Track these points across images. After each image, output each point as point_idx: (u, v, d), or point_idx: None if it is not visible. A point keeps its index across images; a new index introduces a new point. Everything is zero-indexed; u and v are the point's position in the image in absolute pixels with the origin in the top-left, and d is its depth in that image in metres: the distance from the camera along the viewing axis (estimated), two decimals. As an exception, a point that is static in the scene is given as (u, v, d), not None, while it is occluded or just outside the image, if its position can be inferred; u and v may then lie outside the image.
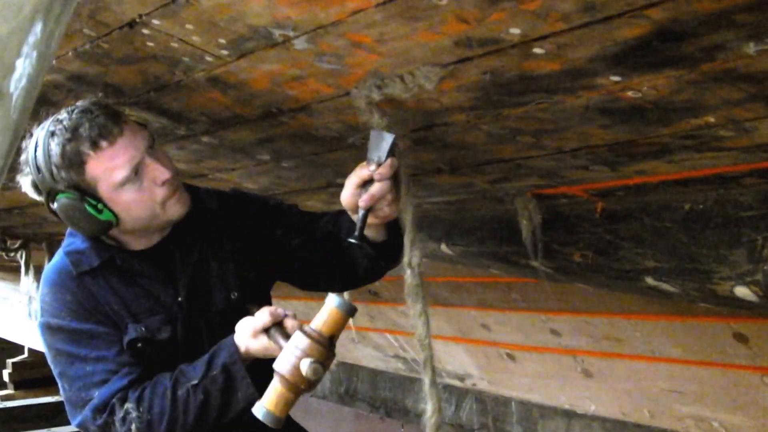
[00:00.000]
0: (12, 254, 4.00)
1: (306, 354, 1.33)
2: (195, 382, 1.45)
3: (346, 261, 1.53)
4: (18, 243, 3.96)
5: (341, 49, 1.19)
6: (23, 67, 0.76)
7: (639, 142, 1.32)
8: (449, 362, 3.10)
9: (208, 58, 1.34)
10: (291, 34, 1.18)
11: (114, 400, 1.47)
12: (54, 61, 1.48)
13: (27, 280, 4.06)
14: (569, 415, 2.75)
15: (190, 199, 1.51)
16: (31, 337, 5.92)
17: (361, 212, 1.35)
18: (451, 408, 3.19)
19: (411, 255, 1.38)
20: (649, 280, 1.59)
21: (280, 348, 1.37)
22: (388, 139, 1.32)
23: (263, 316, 1.41)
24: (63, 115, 1.44)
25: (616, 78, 1.11)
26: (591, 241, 1.65)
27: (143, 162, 1.43)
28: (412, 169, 1.72)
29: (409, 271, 1.39)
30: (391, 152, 1.33)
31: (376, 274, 1.58)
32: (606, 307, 2.24)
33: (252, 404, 1.38)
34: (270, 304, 1.60)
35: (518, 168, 1.58)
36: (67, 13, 0.77)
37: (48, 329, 1.52)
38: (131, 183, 1.43)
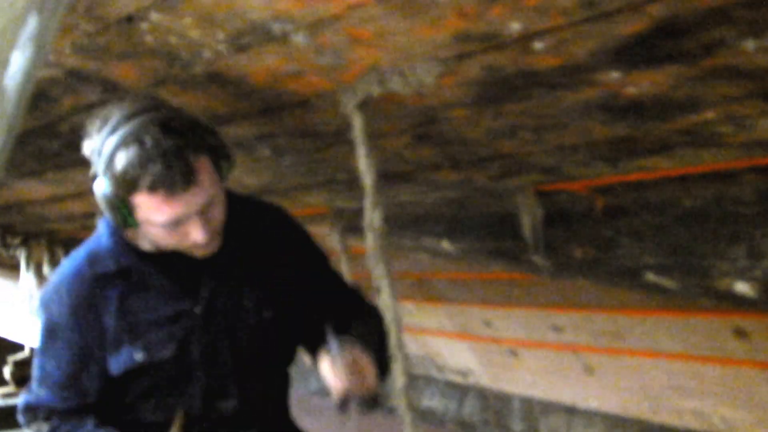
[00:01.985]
0: (12, 252, 4.00)
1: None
2: None
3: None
4: (18, 240, 3.96)
5: (340, 43, 1.19)
6: (18, 62, 0.75)
7: (639, 138, 1.32)
8: (451, 358, 3.10)
9: (207, 53, 1.34)
10: (290, 28, 1.18)
11: (40, 410, 1.49)
12: (51, 57, 1.48)
13: (27, 278, 4.06)
14: (571, 410, 2.75)
15: (221, 240, 1.43)
16: (31, 336, 5.92)
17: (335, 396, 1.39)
18: (454, 404, 3.19)
19: (372, 217, 1.37)
20: (650, 276, 1.59)
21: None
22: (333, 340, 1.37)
23: None
24: (149, 134, 1.29)
25: (616, 74, 1.11)
26: (591, 237, 1.65)
27: (187, 220, 1.35)
28: (412, 165, 1.72)
29: (371, 234, 1.37)
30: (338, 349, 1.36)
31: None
32: (607, 303, 2.24)
33: None
34: (303, 321, 1.55)
35: (519, 164, 1.57)
36: (62, 6, 0.76)
37: (42, 310, 1.52)
38: (166, 228, 1.36)
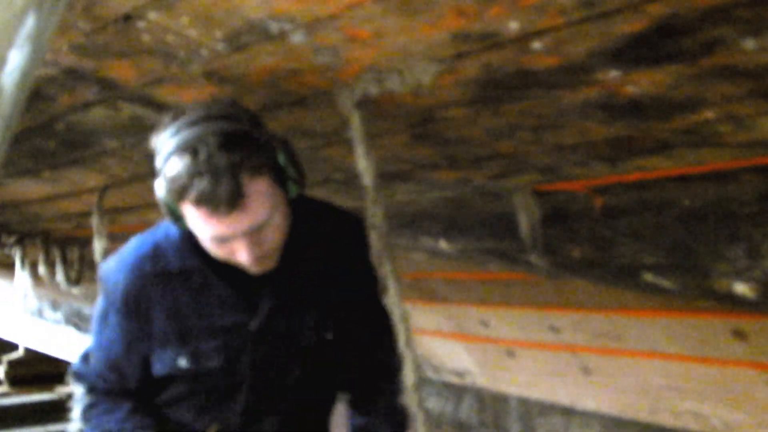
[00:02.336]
0: (7, 251, 3.99)
1: None
2: None
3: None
4: (13, 239, 3.95)
5: (338, 43, 1.19)
6: (16, 60, 0.75)
7: (638, 137, 1.32)
8: (448, 359, 3.10)
9: (204, 52, 1.33)
10: (288, 27, 1.18)
11: (84, 381, 1.50)
12: (48, 55, 1.47)
13: (22, 277, 4.05)
14: (568, 411, 2.75)
15: (277, 260, 1.36)
16: (25, 336, 5.91)
17: None
18: (450, 405, 3.19)
19: (374, 215, 1.35)
20: (648, 277, 1.59)
21: None
22: None
23: None
24: (204, 145, 1.23)
25: (615, 73, 1.10)
26: (590, 237, 1.65)
27: (233, 240, 1.29)
28: (410, 164, 1.72)
29: (374, 233, 1.35)
30: None
31: None
32: (605, 304, 2.24)
33: None
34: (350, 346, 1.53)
35: (517, 163, 1.57)
36: (60, 5, 0.76)
37: (104, 282, 1.49)
38: (212, 242, 1.31)
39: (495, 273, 2.28)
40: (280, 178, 1.30)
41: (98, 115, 1.80)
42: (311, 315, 1.45)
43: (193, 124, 1.26)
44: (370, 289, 1.47)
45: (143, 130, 1.54)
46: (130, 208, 2.62)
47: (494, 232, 1.85)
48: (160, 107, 1.67)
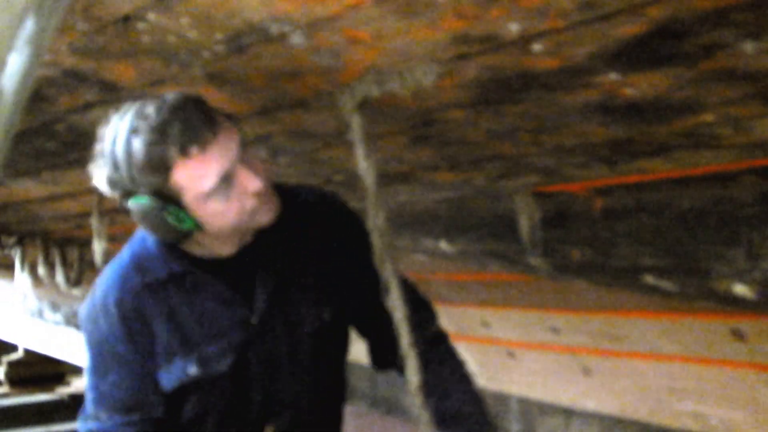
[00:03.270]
0: (7, 251, 3.99)
1: None
2: None
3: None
4: (13, 240, 3.95)
5: (339, 44, 1.19)
6: (16, 63, 0.75)
7: (637, 139, 1.32)
8: (447, 360, 3.10)
9: (205, 54, 1.33)
10: (288, 29, 1.18)
11: None
12: (48, 57, 1.47)
13: (22, 278, 4.05)
14: (568, 412, 2.75)
15: (279, 204, 1.33)
16: (25, 336, 5.91)
17: None
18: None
19: (376, 217, 1.33)
20: (648, 278, 1.59)
21: None
22: None
23: None
24: (149, 109, 1.24)
25: (615, 75, 1.11)
26: (590, 239, 1.65)
27: (234, 170, 1.25)
28: (410, 165, 1.72)
29: (375, 234, 1.33)
30: None
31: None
32: (605, 305, 2.24)
33: None
34: (357, 321, 1.48)
35: (517, 165, 1.57)
36: (60, 7, 0.76)
37: (86, 326, 1.40)
38: (220, 192, 1.25)
39: (495, 274, 2.28)
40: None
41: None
42: (308, 299, 1.40)
43: (119, 124, 1.27)
44: (364, 251, 1.41)
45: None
46: (130, 208, 2.62)
47: (494, 233, 1.85)
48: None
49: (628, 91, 1.14)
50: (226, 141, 1.25)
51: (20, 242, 3.96)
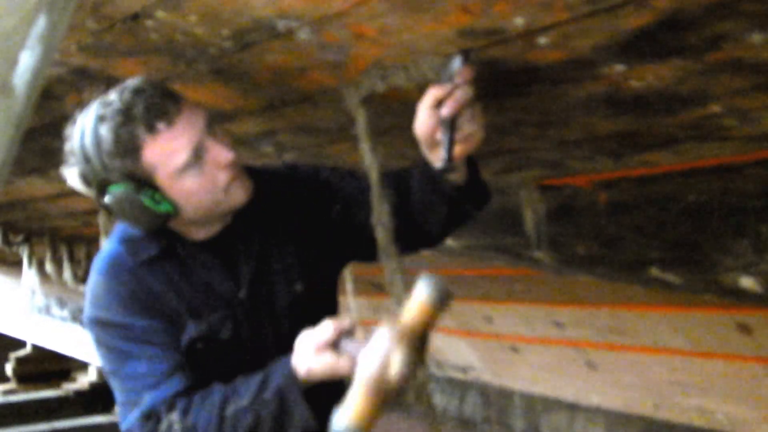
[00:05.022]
0: (15, 249, 4.01)
1: (395, 352, 1.13)
2: (245, 403, 1.30)
3: (421, 218, 1.39)
4: (20, 237, 3.97)
5: (344, 40, 1.19)
6: (27, 61, 0.76)
7: (643, 132, 1.32)
8: (452, 355, 3.10)
9: (212, 50, 1.34)
10: (294, 25, 1.18)
11: (162, 407, 1.33)
12: (57, 55, 1.48)
13: (29, 275, 4.07)
14: (573, 407, 2.75)
15: (252, 184, 1.35)
16: (33, 333, 5.93)
17: (444, 134, 1.19)
18: (455, 401, 3.19)
19: (381, 212, 1.34)
20: (654, 271, 1.59)
21: (353, 359, 1.18)
22: (456, 58, 1.16)
23: (327, 328, 1.23)
24: (112, 96, 1.27)
25: (621, 68, 1.11)
26: (595, 233, 1.65)
27: (204, 143, 1.28)
28: (415, 160, 1.72)
29: (380, 229, 1.34)
30: (465, 63, 1.17)
31: (460, 220, 1.41)
32: (610, 299, 2.24)
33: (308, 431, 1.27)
34: (336, 296, 1.48)
35: (522, 159, 1.57)
36: (71, 6, 0.77)
37: (98, 324, 1.39)
38: (192, 168, 1.28)
39: (499, 269, 2.29)
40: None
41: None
42: (282, 274, 1.42)
43: (81, 120, 1.30)
44: (327, 177, 1.45)
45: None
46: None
47: (499, 227, 1.86)
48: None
49: (634, 84, 1.14)
50: (192, 114, 1.28)
51: (28, 239, 3.98)
